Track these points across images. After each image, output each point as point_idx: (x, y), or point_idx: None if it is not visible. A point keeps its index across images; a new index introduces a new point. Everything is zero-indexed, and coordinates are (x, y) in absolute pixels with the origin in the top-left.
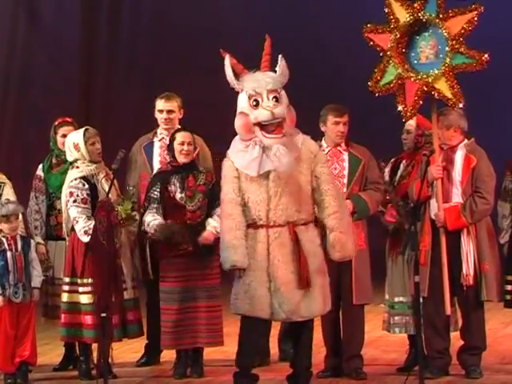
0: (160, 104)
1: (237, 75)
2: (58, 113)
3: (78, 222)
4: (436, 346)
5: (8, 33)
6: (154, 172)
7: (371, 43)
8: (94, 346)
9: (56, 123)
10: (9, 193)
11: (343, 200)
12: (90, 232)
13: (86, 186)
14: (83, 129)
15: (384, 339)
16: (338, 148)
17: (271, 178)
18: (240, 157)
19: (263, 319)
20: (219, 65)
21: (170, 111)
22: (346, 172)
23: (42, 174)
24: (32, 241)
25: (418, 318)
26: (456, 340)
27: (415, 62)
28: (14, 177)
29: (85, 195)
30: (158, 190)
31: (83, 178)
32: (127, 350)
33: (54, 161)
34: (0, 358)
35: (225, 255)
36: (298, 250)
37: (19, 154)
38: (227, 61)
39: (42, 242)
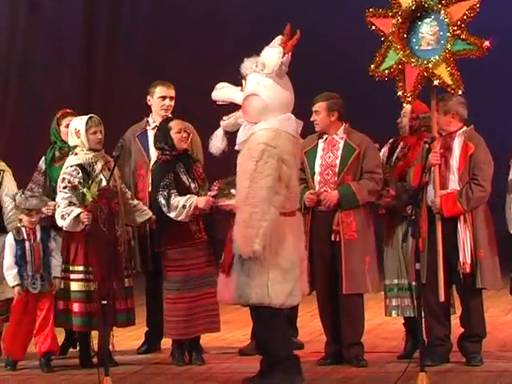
0: (162, 90)
1: None
2: (58, 100)
3: (59, 206)
4: (436, 332)
5: (8, 20)
6: (155, 162)
7: (373, 27)
8: (95, 333)
9: (58, 115)
10: (9, 181)
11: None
12: (66, 217)
13: (80, 174)
14: (87, 116)
15: (385, 326)
16: (334, 136)
17: None
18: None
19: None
20: (218, 52)
21: (171, 98)
22: (337, 161)
23: (43, 167)
24: (52, 231)
25: (419, 305)
26: (456, 327)
27: (416, 47)
28: (15, 164)
29: (76, 182)
30: (172, 178)
31: (79, 165)
32: (128, 338)
33: (57, 154)
34: (11, 344)
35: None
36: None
37: (20, 143)
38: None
39: None
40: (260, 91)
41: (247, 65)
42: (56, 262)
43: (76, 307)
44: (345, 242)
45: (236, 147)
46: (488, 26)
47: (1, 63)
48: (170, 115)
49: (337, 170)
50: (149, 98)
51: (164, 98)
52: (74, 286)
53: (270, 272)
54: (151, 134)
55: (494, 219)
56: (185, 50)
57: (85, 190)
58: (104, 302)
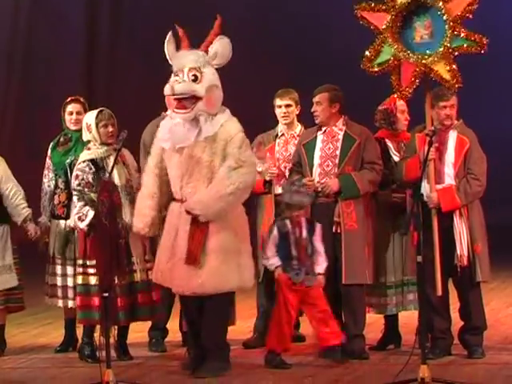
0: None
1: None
2: (61, 90)
3: (76, 206)
4: (437, 326)
5: (11, 12)
6: None
7: (364, 22)
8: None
9: (66, 101)
10: (4, 169)
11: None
12: (84, 218)
13: (93, 169)
14: (97, 110)
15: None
16: (334, 128)
17: (183, 155)
18: (160, 131)
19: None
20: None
21: None
22: (338, 152)
23: (49, 152)
24: (317, 224)
25: (422, 298)
26: (457, 320)
27: (410, 41)
28: (18, 154)
29: (90, 179)
30: None
31: (92, 160)
32: (130, 331)
33: (61, 139)
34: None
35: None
36: (195, 228)
37: (23, 134)
38: (168, 37)
39: (48, 222)
40: (217, 82)
41: (193, 58)
42: (322, 258)
43: (97, 301)
44: (345, 233)
45: (201, 138)
46: (483, 22)
47: (3, 55)
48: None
49: (337, 160)
50: None
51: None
52: (94, 280)
53: (241, 258)
54: None
55: None
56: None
57: (93, 195)
58: (105, 294)
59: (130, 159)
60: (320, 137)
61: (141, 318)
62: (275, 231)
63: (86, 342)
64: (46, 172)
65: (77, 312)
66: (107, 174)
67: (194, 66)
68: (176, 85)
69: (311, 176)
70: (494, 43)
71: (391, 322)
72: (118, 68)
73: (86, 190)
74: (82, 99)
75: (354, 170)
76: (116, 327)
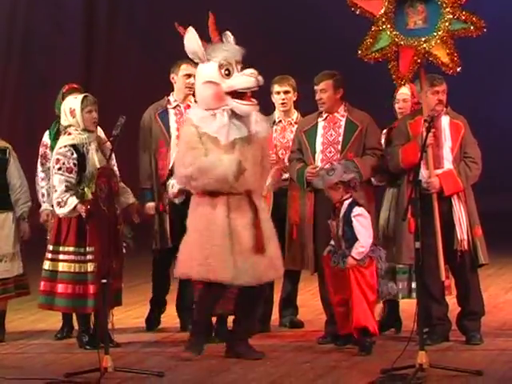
0: (187, 69)
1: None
2: (59, 76)
3: (56, 191)
4: (435, 312)
5: None
6: None
7: (358, 9)
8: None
9: (64, 90)
10: (15, 159)
11: None
12: (63, 205)
13: (75, 154)
14: (82, 95)
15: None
16: (336, 114)
17: (237, 148)
18: (208, 123)
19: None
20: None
21: (195, 76)
22: (340, 138)
23: (48, 141)
24: (357, 208)
25: (419, 284)
26: (456, 307)
27: (403, 27)
28: (17, 141)
29: (71, 164)
30: None
31: (73, 146)
32: (128, 317)
33: (61, 128)
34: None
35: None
36: (257, 217)
37: (22, 121)
38: (193, 32)
39: (50, 208)
40: None
41: (239, 51)
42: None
43: (61, 288)
44: None
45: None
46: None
47: (2, 41)
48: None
49: (339, 147)
50: (172, 75)
51: (189, 76)
52: (63, 267)
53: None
54: (172, 113)
55: None
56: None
57: (85, 189)
58: (104, 281)
59: (108, 145)
60: (321, 123)
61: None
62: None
63: (83, 330)
64: (42, 161)
65: (38, 296)
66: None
67: (240, 60)
68: (259, 76)
69: (314, 163)
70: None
71: (391, 306)
72: (116, 53)
73: (66, 174)
74: (79, 86)
75: (356, 156)
76: (113, 313)
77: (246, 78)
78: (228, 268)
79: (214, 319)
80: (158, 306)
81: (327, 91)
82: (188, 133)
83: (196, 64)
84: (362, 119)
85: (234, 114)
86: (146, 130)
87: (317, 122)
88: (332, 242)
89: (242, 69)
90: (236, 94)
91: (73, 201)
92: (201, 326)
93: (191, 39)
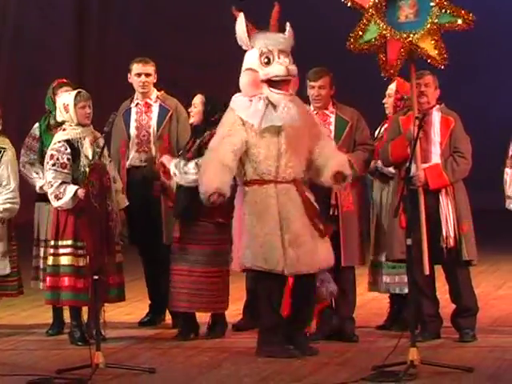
0: (138, 68)
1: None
2: (51, 72)
3: (52, 185)
4: (426, 310)
5: None
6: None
7: (349, 3)
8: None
9: (54, 84)
10: (8, 160)
11: None
12: (61, 196)
13: (69, 150)
14: (76, 91)
15: (376, 301)
16: (325, 111)
17: (283, 135)
18: (244, 109)
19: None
20: (215, 26)
21: (147, 74)
22: (332, 135)
23: (37, 134)
24: None
25: (411, 281)
26: (448, 303)
27: (394, 20)
28: (9, 136)
29: (65, 160)
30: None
31: (67, 141)
32: (119, 313)
33: (52, 122)
34: None
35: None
36: (308, 204)
37: (13, 113)
38: (241, 18)
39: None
40: None
41: (283, 40)
42: None
43: (66, 281)
44: (343, 215)
45: (290, 122)
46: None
47: None
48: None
49: None
50: (129, 75)
51: (139, 75)
52: (64, 261)
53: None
54: (134, 112)
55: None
56: (177, 24)
57: (87, 169)
58: (95, 277)
59: (101, 141)
60: None
61: (110, 300)
62: None
63: (75, 326)
64: (27, 152)
65: (44, 293)
66: (91, 156)
67: (284, 49)
68: (289, 66)
69: None
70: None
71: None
72: (108, 50)
73: (60, 169)
74: (69, 81)
75: (347, 152)
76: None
77: (278, 67)
78: (280, 257)
79: (208, 315)
80: (158, 313)
81: (326, 88)
82: (226, 116)
83: (147, 63)
84: (351, 115)
85: (270, 103)
86: (114, 127)
87: None
88: None
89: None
90: (272, 83)
91: (72, 188)
92: (268, 319)
93: (238, 25)
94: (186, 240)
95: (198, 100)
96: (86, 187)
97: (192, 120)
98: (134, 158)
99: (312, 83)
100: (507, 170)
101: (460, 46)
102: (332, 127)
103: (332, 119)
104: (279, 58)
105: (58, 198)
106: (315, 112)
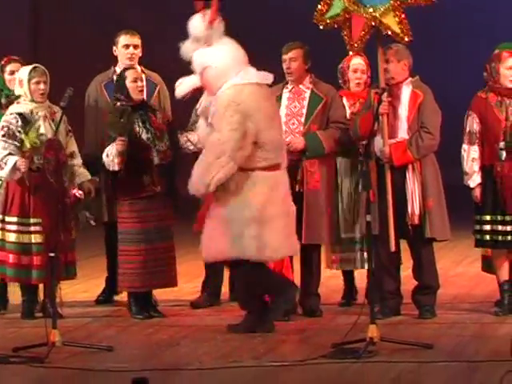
0: (126, 39)
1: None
2: (3, 48)
3: None
4: (387, 286)
5: None
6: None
7: None
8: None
9: (3, 62)
10: None
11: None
12: (3, 166)
13: (20, 122)
14: (31, 66)
15: (335, 278)
16: (301, 86)
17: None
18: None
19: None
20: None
21: (135, 46)
22: (304, 110)
23: None
24: None
25: (370, 257)
26: (409, 280)
27: None
28: None
29: (15, 131)
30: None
31: (20, 114)
32: (76, 290)
33: (3, 100)
34: None
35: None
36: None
37: None
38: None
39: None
40: (207, 61)
41: (185, 48)
42: None
43: (11, 258)
44: (307, 192)
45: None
46: None
47: None
48: (138, 65)
49: (303, 119)
50: (114, 48)
51: (127, 46)
52: (9, 237)
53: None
54: None
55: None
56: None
57: (23, 136)
58: (52, 254)
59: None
60: (286, 94)
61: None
62: None
63: (25, 300)
64: None
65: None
66: (38, 126)
67: (188, 59)
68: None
69: None
70: None
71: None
72: (64, 23)
73: (10, 141)
74: (18, 58)
75: (319, 129)
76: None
77: None
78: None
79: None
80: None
81: (297, 60)
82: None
83: (134, 34)
84: (326, 92)
85: None
86: (91, 101)
87: (281, 93)
88: None
89: None
90: None
91: (13, 159)
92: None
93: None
94: (128, 220)
95: None
96: (27, 158)
97: None
98: None
99: (283, 56)
100: (464, 146)
101: (422, 22)
102: (305, 102)
103: (307, 94)
104: None
105: (0, 167)
106: (291, 87)
